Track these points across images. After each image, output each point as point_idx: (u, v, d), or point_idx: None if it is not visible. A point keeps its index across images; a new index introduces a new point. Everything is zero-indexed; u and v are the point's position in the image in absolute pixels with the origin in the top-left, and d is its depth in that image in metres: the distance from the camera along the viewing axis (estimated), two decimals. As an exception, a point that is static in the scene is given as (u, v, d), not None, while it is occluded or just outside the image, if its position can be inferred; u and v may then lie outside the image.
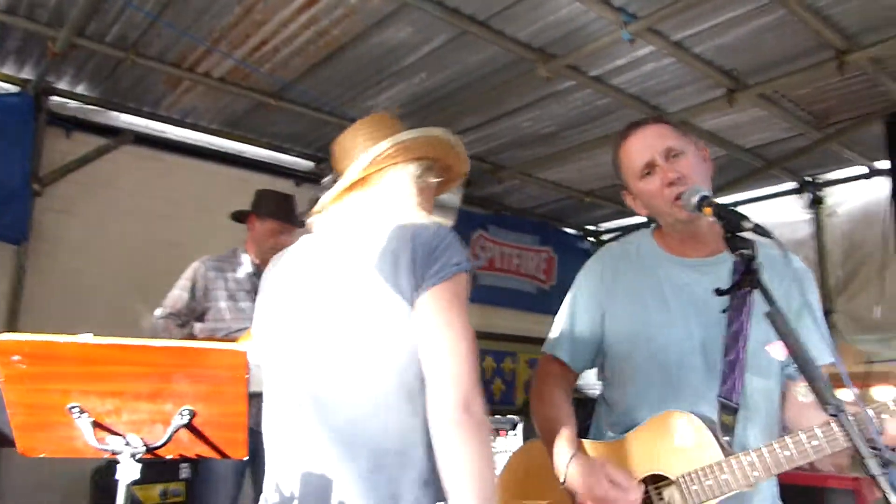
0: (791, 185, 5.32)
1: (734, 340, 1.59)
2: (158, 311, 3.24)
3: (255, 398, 1.48)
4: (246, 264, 3.41)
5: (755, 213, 5.35)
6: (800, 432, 1.42)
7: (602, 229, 6.79)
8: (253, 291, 3.34)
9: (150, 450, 1.45)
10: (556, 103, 4.11)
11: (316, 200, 1.61)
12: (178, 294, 3.28)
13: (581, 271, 1.88)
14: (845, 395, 1.66)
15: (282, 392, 1.50)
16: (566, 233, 6.67)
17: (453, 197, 1.89)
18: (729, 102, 3.91)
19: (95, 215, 4.12)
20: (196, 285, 3.30)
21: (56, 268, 3.96)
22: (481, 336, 6.11)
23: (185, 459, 3.06)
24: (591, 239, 6.80)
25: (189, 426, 1.51)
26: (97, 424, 1.40)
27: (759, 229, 1.35)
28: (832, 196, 5.24)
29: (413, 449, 1.33)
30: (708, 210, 1.46)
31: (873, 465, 1.10)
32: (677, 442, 1.55)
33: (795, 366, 1.33)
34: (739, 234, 1.37)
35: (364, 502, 1.31)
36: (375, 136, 1.57)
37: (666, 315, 1.67)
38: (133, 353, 1.42)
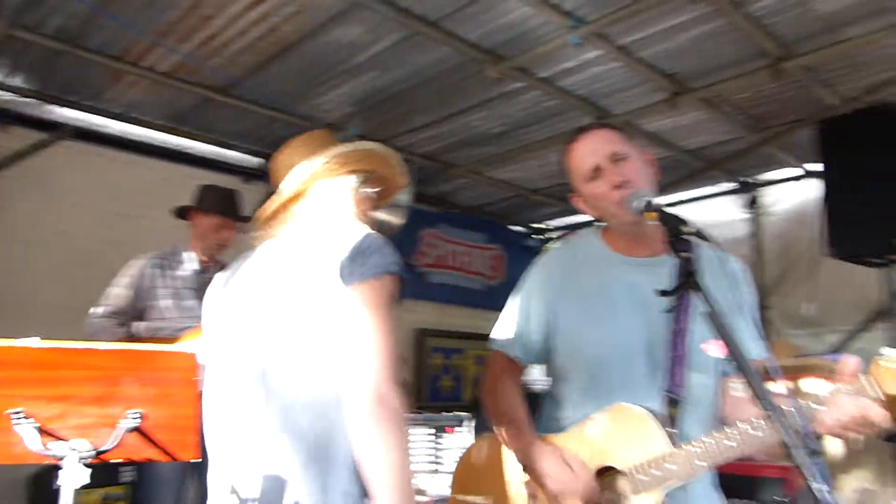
0: (730, 185, 5.50)
1: (677, 338, 1.66)
2: (98, 310, 3.17)
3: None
4: (190, 261, 3.36)
5: (696, 212, 5.54)
6: (741, 424, 1.49)
7: (549, 227, 6.89)
8: (198, 289, 3.30)
9: (97, 454, 1.44)
10: (505, 104, 4.16)
11: (264, 201, 1.66)
12: (120, 292, 3.22)
13: (530, 270, 1.93)
14: (778, 387, 1.75)
15: (225, 391, 1.53)
16: (514, 230, 6.76)
17: (403, 196, 1.94)
18: (672, 105, 4.02)
19: (33, 213, 3.98)
20: (139, 284, 3.24)
21: (-8, 268, 3.83)
22: (430, 333, 6.18)
23: (131, 463, 3.01)
24: (539, 237, 6.91)
25: (138, 429, 1.51)
26: (42, 430, 1.38)
27: (699, 233, 1.42)
28: (768, 196, 5.43)
29: (345, 443, 1.38)
30: (651, 214, 1.52)
31: (800, 456, 1.17)
32: (626, 435, 1.62)
33: (732, 363, 1.40)
34: (680, 237, 1.44)
35: (300, 494, 1.36)
36: (313, 151, 1.64)
37: (614, 313, 1.73)
38: (81, 357, 1.41)
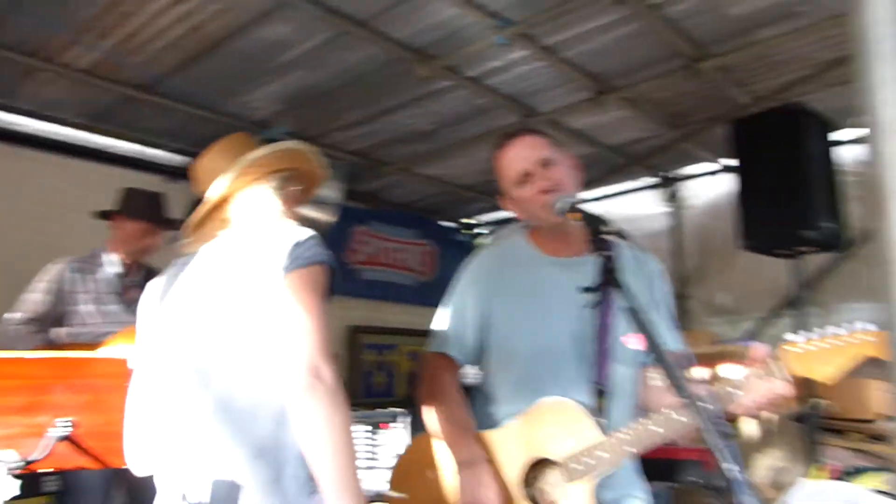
0: (651, 180, 5.70)
1: (601, 333, 1.74)
2: (14, 317, 3.05)
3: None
4: (111, 265, 3.27)
5: (619, 206, 5.71)
6: (665, 410, 1.59)
7: (479, 222, 6.99)
8: (120, 293, 3.23)
9: (26, 464, 1.41)
10: (434, 102, 4.21)
11: (192, 207, 1.67)
12: (38, 298, 3.11)
13: (464, 270, 1.99)
14: (698, 374, 1.88)
15: (168, 397, 1.54)
16: (445, 226, 6.82)
17: (333, 193, 1.97)
18: (595, 104, 4.15)
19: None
20: (57, 289, 3.14)
21: None
22: (363, 330, 6.17)
23: (55, 473, 2.91)
24: (470, 232, 6.99)
25: (69, 438, 1.49)
26: (-34, 443, 1.35)
27: (620, 233, 1.51)
28: (687, 190, 5.65)
29: (285, 445, 1.41)
30: (575, 215, 1.61)
31: (713, 439, 1.26)
32: (558, 426, 1.69)
33: (651, 354, 1.49)
34: (602, 237, 1.52)
35: (253, 498, 1.38)
36: (233, 155, 1.67)
37: (544, 311, 1.81)
38: (7, 367, 1.38)
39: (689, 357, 1.64)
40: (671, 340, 1.79)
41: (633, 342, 1.74)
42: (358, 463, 1.42)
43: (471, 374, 2.03)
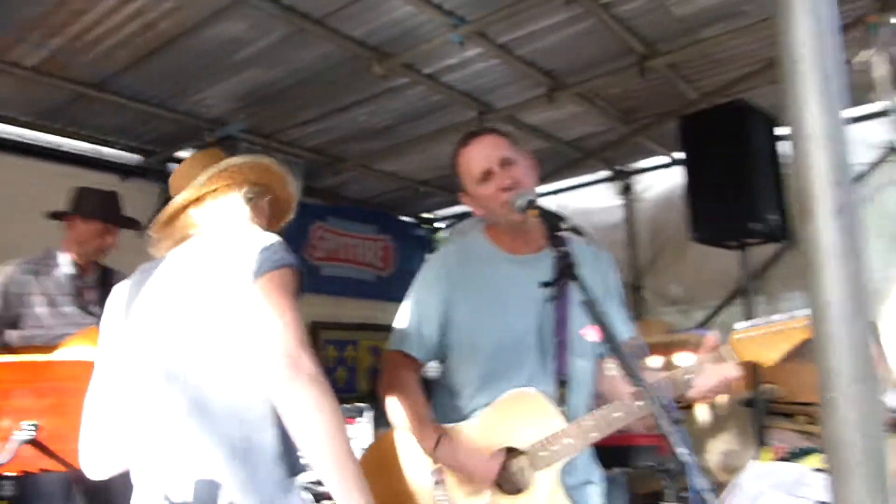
0: (605, 173, 5.80)
1: (560, 325, 1.83)
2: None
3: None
4: (65, 265, 3.22)
5: (574, 199, 5.80)
6: (627, 398, 1.67)
7: (437, 217, 7.04)
8: (75, 294, 3.19)
9: (-9, 469, 1.41)
10: (391, 99, 4.23)
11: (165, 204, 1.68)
12: (-13, 302, 3.06)
13: (424, 269, 2.03)
14: (653, 362, 1.97)
15: (142, 399, 1.55)
16: (403, 221, 6.84)
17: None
18: (549, 100, 4.22)
19: None
20: (8, 291, 3.08)
21: None
22: (323, 326, 6.14)
23: (11, 477, 2.86)
24: (428, 227, 7.04)
25: (34, 441, 1.49)
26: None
27: (575, 229, 1.57)
28: (640, 184, 5.77)
29: (263, 432, 1.43)
30: (533, 212, 1.67)
31: (665, 425, 1.34)
32: (524, 416, 1.76)
33: (606, 345, 1.57)
34: (559, 233, 1.59)
35: (233, 494, 1.40)
36: (210, 163, 1.69)
37: (505, 306, 1.87)
38: (-31, 373, 1.37)
39: (643, 347, 1.73)
40: (625, 331, 1.88)
41: (591, 334, 1.82)
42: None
43: (431, 368, 2.08)
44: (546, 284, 1.67)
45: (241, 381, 1.45)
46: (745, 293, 4.52)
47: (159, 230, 1.70)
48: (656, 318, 5.24)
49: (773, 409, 3.94)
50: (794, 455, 3.40)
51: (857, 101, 4.04)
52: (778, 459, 3.15)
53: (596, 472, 1.91)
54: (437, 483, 1.76)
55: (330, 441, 1.34)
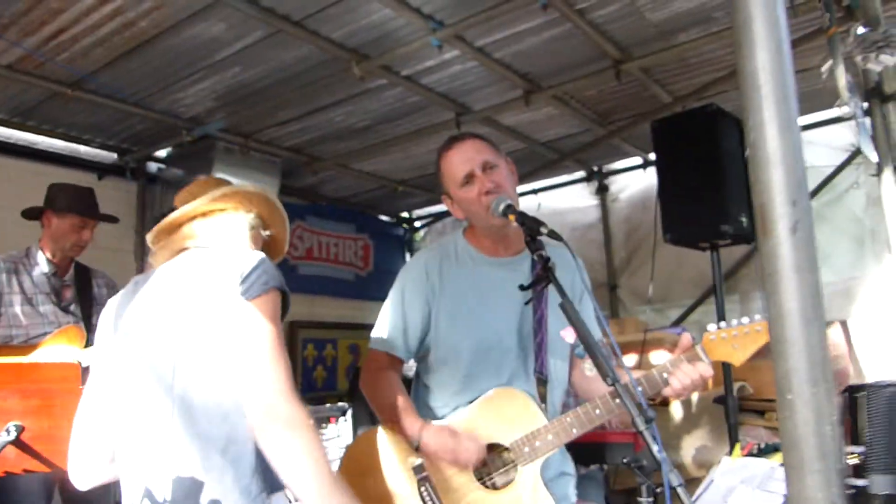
0: (581, 174, 5.90)
1: (538, 326, 1.89)
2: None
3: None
4: (42, 264, 3.22)
5: (551, 199, 5.85)
6: (606, 395, 1.73)
7: (415, 216, 7.08)
8: (52, 293, 3.18)
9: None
10: (369, 100, 4.26)
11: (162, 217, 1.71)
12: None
13: (405, 270, 2.08)
14: (626, 361, 2.03)
15: (131, 399, 1.57)
16: (381, 220, 6.88)
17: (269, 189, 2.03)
18: (526, 102, 4.27)
19: None
20: (-14, 289, 3.07)
21: None
22: (302, 325, 6.14)
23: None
24: (406, 226, 7.07)
25: (18, 441, 1.51)
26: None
27: (552, 234, 1.63)
28: (615, 184, 5.86)
29: (241, 444, 1.46)
30: (511, 217, 1.73)
31: (639, 422, 1.39)
32: (507, 413, 1.82)
33: (582, 345, 1.62)
34: (536, 238, 1.64)
35: (213, 493, 1.43)
36: (224, 185, 1.75)
37: (486, 308, 1.93)
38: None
39: (615, 346, 1.79)
40: (598, 331, 1.94)
41: (567, 334, 1.88)
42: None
43: (409, 367, 2.13)
44: (525, 287, 1.73)
45: (229, 391, 1.48)
46: (718, 292, 4.60)
47: (158, 239, 1.73)
48: (631, 317, 5.32)
49: (744, 406, 4.04)
50: (763, 451, 3.50)
51: (822, 105, 4.16)
52: (748, 455, 3.24)
53: (569, 465, 1.98)
54: (420, 478, 1.81)
55: (309, 482, 1.38)
